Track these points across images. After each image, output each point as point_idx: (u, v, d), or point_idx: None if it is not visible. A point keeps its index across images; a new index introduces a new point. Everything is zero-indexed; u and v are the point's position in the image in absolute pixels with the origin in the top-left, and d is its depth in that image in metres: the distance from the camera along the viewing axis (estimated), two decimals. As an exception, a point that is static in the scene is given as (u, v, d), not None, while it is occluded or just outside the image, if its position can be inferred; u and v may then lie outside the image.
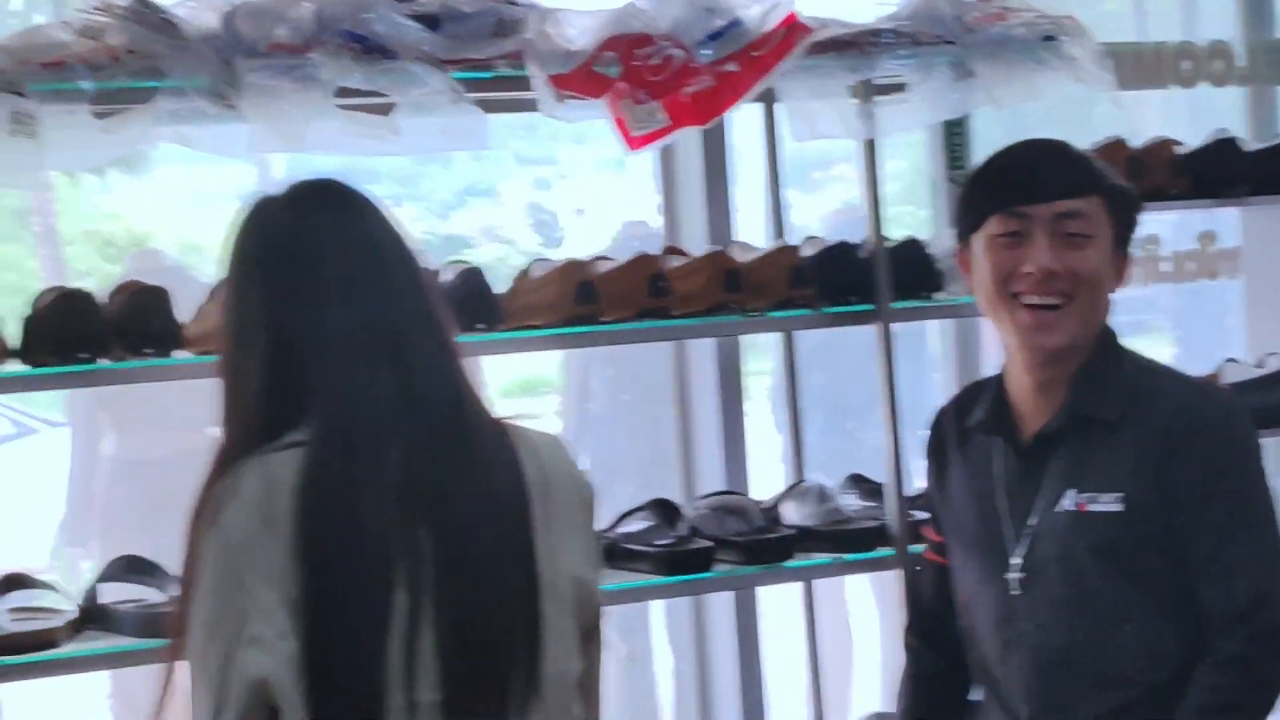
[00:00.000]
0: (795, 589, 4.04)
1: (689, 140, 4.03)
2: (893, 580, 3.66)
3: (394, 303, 2.21)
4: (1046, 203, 2.77)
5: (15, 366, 3.25)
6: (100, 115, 3.18)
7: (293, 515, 2.09)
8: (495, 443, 2.20)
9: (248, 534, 2.11)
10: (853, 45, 3.57)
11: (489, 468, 2.17)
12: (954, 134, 4.09)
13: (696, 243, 4.00)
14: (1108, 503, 2.71)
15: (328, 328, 2.17)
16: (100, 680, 7.19)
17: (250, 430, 2.18)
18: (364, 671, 2.07)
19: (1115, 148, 3.91)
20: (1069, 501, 2.75)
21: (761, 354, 5.95)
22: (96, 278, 10.29)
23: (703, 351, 4.16)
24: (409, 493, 2.12)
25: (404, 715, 2.07)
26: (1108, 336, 2.83)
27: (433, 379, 2.19)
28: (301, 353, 2.18)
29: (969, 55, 3.61)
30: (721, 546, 3.62)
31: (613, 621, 5.15)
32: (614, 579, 3.60)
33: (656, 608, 5.14)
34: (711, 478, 4.10)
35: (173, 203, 21.12)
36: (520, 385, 9.96)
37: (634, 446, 5.76)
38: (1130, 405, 2.74)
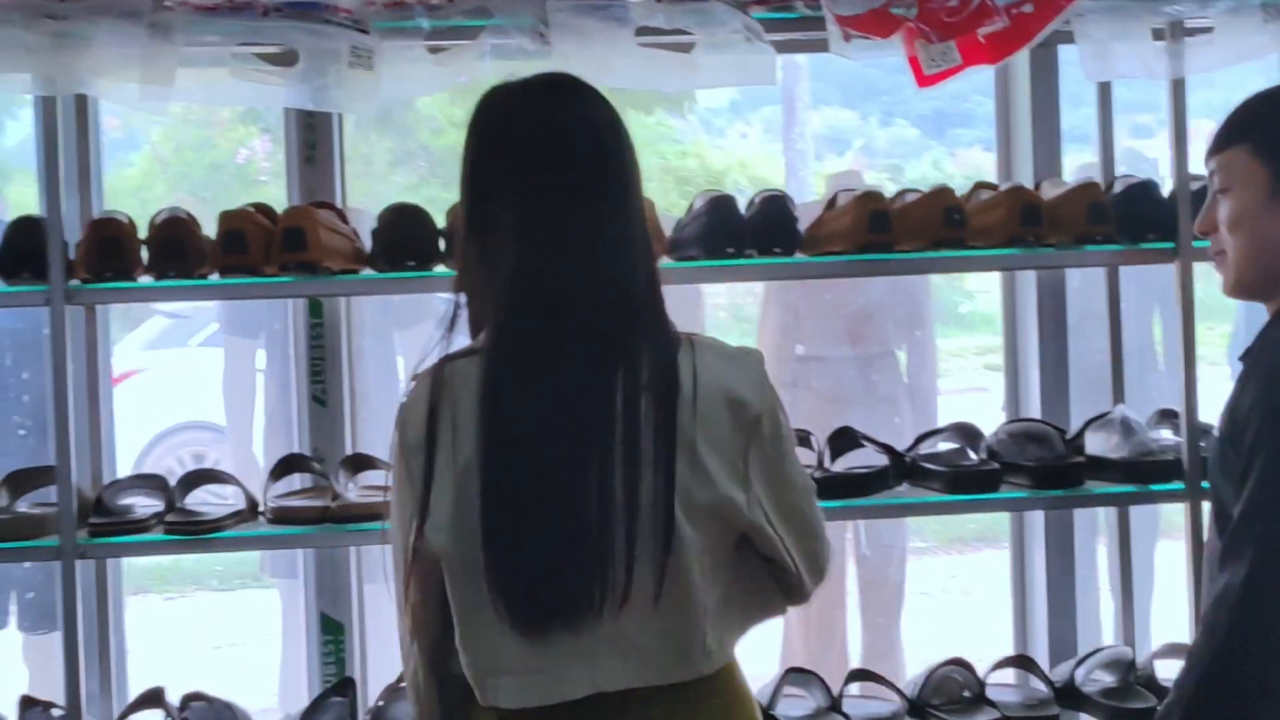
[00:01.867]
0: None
1: (1019, 76, 4.15)
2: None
3: (589, 205, 2.31)
4: (1207, 164, 2.85)
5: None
6: (433, 50, 3.58)
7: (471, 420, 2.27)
8: (659, 356, 2.30)
9: (416, 438, 2.32)
10: (1159, -14, 3.63)
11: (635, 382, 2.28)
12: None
13: (1026, 177, 4.11)
14: (1217, 427, 2.78)
15: (516, 224, 2.31)
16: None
17: (455, 328, 2.40)
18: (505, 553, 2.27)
19: None
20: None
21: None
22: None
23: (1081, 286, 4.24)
24: (556, 402, 2.26)
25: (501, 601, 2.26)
26: None
27: (609, 288, 2.30)
28: (492, 247, 2.34)
29: (1282, -5, 3.62)
30: (1013, 470, 3.77)
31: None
32: (911, 494, 3.81)
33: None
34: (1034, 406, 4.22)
35: (758, 145, 21.69)
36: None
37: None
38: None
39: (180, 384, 10.63)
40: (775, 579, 2.42)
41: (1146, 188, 3.78)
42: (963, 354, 16.28)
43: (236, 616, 9.36)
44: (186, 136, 17.04)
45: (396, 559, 2.41)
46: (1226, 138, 2.86)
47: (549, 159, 2.33)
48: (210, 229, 3.59)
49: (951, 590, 9.61)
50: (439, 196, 14.23)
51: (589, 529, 2.25)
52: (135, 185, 18.69)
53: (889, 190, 3.91)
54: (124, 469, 10.28)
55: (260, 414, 5.89)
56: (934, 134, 25.45)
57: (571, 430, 2.26)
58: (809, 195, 16.43)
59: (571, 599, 2.26)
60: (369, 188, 16.66)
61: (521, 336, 2.30)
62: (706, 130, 20.87)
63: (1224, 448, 2.75)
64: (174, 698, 3.79)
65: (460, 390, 2.30)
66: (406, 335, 5.91)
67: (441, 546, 2.30)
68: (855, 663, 5.46)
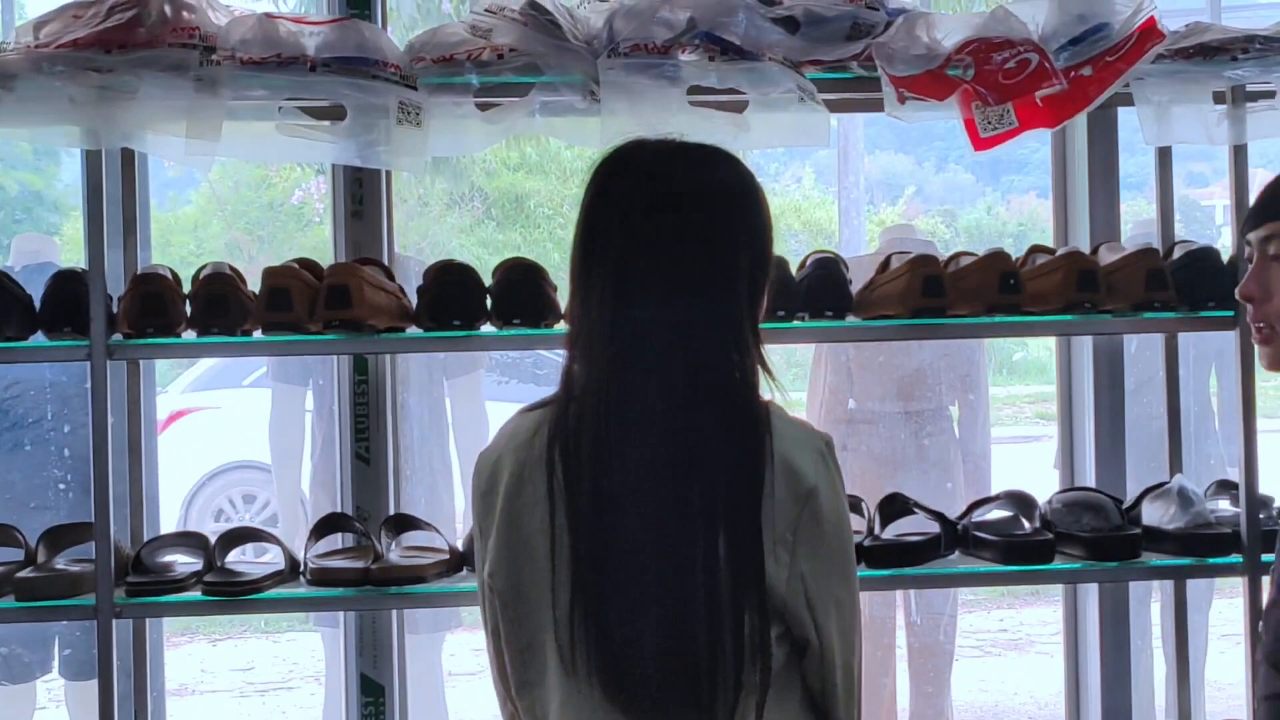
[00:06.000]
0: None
1: (1077, 137, 4.09)
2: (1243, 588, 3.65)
3: (689, 282, 2.26)
4: (1253, 229, 2.73)
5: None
6: (482, 107, 3.54)
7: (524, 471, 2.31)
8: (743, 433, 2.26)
9: (483, 484, 2.38)
10: (1221, 51, 3.56)
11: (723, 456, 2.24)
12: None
13: (1083, 239, 4.05)
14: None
15: (607, 282, 2.27)
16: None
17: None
18: (539, 612, 2.29)
19: None
20: None
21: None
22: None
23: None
24: (643, 469, 2.22)
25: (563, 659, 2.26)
26: None
27: (692, 366, 2.25)
28: (585, 298, 2.31)
29: (1351, 62, 3.55)
30: (1068, 541, 3.69)
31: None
32: (963, 563, 3.73)
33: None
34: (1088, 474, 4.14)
35: (812, 190, 21.53)
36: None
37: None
38: None
39: (232, 423, 10.66)
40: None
41: (1206, 254, 3.69)
42: (1015, 402, 16.19)
43: (283, 661, 9.33)
44: (244, 175, 17.13)
45: (480, 605, 2.45)
46: None
47: (657, 221, 2.28)
48: (268, 264, 3.55)
49: (1001, 643, 9.52)
50: (494, 239, 14.20)
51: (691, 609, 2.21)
52: (192, 223, 18.80)
53: (942, 236, 3.85)
54: (174, 508, 10.33)
55: (308, 458, 5.87)
56: (989, 180, 25.39)
57: (657, 503, 2.22)
58: (862, 243, 16.42)
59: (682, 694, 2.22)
60: (425, 229, 16.71)
61: (609, 404, 2.26)
62: (760, 174, 20.89)
63: None
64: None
65: (524, 442, 2.32)
66: (456, 384, 5.87)
67: (499, 590, 2.34)
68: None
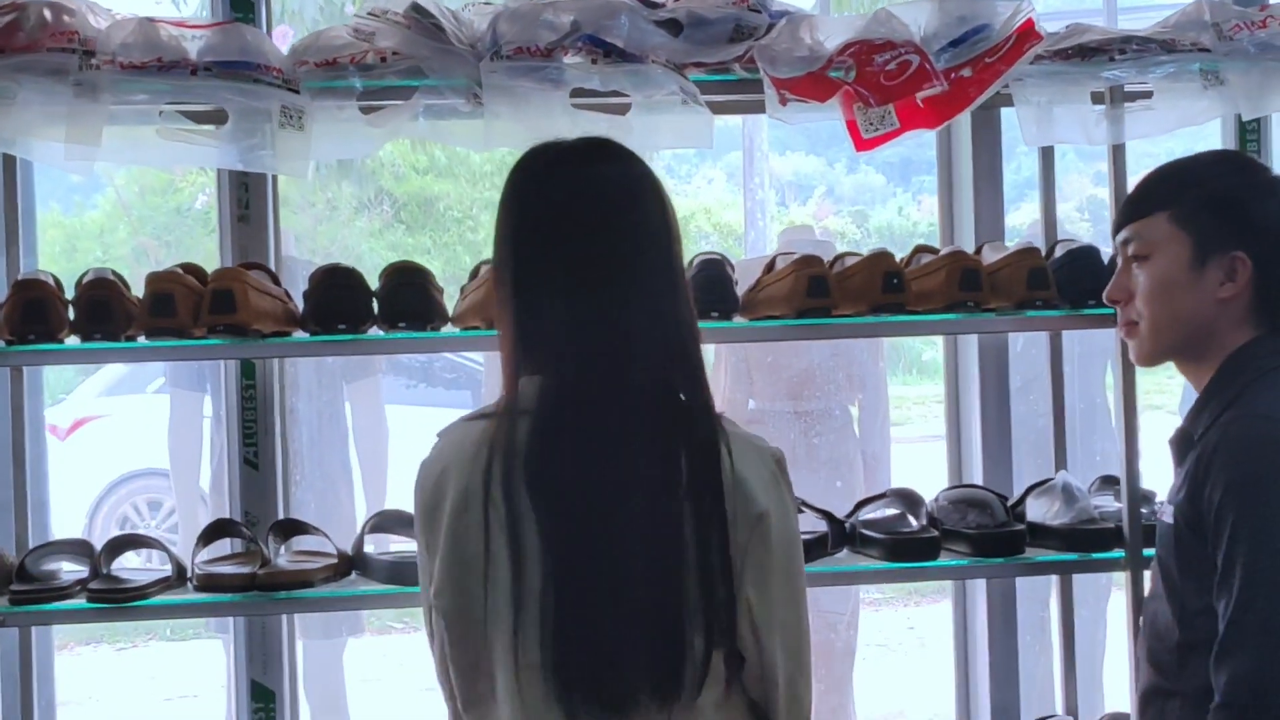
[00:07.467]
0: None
1: (962, 140, 4.12)
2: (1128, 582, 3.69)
3: (631, 282, 2.25)
4: (1117, 232, 2.83)
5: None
6: (366, 111, 3.54)
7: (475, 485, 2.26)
8: (702, 437, 2.24)
9: (428, 498, 2.33)
10: (1099, 51, 3.60)
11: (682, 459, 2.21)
12: (1248, 135, 4.03)
13: (968, 239, 4.08)
14: (1168, 515, 2.74)
15: (556, 292, 2.25)
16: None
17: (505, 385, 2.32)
18: (483, 631, 2.26)
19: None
20: (1165, 510, 2.80)
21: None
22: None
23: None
24: (611, 477, 2.20)
25: (514, 676, 2.23)
26: (1240, 358, 2.77)
27: (644, 367, 2.23)
28: (530, 310, 2.28)
29: (1222, 63, 3.59)
30: (954, 538, 3.72)
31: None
32: (849, 562, 3.75)
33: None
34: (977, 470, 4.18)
35: (723, 191, 21.57)
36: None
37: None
38: (1208, 425, 2.72)
39: (137, 430, 10.60)
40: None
41: (1087, 253, 3.73)
42: (925, 401, 16.28)
43: (188, 667, 9.28)
44: (149, 180, 17.02)
45: (425, 620, 2.38)
46: (1144, 205, 2.83)
47: (593, 225, 2.27)
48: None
49: (908, 642, 9.57)
50: (404, 242, 14.17)
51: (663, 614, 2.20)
52: (98, 228, 18.67)
53: (853, 236, 3.88)
54: (79, 516, 10.22)
55: (207, 463, 5.85)
56: (899, 180, 25.56)
57: (629, 512, 2.20)
58: (768, 243, 16.45)
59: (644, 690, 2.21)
60: (334, 233, 16.65)
61: (568, 411, 2.24)
62: (671, 176, 20.97)
63: (1182, 534, 2.70)
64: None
65: (470, 457, 2.27)
66: (354, 388, 5.86)
67: (444, 610, 2.29)
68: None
